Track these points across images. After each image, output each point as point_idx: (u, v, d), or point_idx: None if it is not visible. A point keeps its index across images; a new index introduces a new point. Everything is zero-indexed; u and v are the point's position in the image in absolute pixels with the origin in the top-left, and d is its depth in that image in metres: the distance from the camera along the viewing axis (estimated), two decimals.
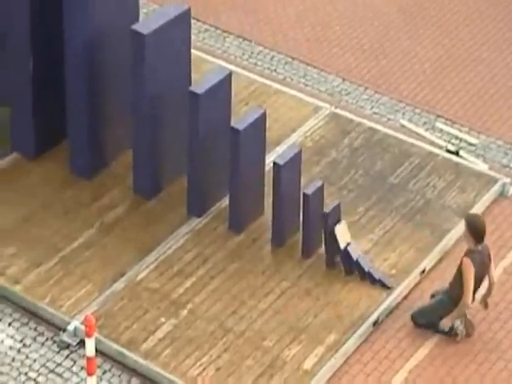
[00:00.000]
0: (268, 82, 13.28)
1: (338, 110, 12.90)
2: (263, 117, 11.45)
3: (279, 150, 12.14)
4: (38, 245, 10.90)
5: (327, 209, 10.45)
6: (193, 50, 12.14)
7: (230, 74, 11.73)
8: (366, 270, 10.33)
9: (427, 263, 10.65)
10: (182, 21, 11.49)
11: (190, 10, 11.47)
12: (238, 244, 10.91)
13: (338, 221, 10.48)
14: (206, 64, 13.40)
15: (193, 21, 13.63)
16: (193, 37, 12.35)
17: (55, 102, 11.96)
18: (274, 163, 10.66)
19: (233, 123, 11.21)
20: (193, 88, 11.42)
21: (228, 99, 11.87)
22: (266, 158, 11.67)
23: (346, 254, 10.42)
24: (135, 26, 11.14)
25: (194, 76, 12.09)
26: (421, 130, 12.59)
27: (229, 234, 10.97)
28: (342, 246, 10.27)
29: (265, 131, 11.51)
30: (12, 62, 11.88)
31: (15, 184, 11.69)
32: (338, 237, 10.30)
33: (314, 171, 11.77)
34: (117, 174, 11.73)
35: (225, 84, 11.72)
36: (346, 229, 10.41)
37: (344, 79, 13.63)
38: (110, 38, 11.67)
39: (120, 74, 11.77)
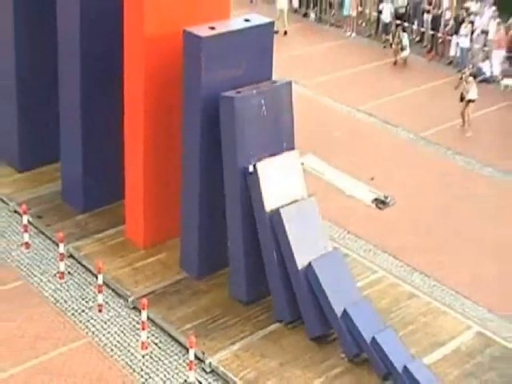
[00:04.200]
0: (439, 304, 13.29)
1: (482, 330, 12.65)
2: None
3: (438, 353, 12.04)
4: (292, 381, 11.49)
5: None
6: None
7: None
8: None
9: None
10: None
11: None
12: None
13: None
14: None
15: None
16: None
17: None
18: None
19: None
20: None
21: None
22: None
23: None
24: None
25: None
26: None
27: None
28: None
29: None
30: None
31: (280, 344, 12.12)
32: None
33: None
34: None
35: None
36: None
37: (490, 310, 13.30)
38: None
39: None
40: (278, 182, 12.32)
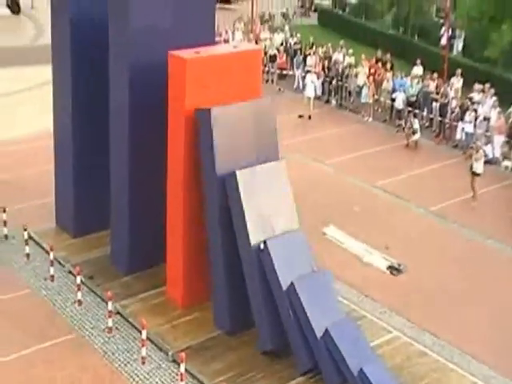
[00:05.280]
0: (448, 362, 13.22)
1: None
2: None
3: None
4: None
5: None
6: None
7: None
8: None
9: None
10: None
11: None
12: None
13: None
14: None
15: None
16: None
17: None
18: None
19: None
20: None
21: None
22: None
23: None
24: None
25: None
26: None
27: None
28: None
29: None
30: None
31: None
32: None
33: None
34: None
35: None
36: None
37: (493, 368, 13.14)
38: None
39: None
40: (289, 256, 12.41)
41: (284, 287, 12.17)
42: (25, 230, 16.19)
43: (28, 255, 16.16)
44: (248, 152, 13.07)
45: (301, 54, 29.67)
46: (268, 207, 12.81)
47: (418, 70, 27.17)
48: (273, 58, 30.06)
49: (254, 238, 12.52)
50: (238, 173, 12.48)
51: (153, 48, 13.90)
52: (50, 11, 16.29)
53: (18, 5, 38.92)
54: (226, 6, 43.33)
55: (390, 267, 16.50)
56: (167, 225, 14.27)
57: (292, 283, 12.06)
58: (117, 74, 14.51)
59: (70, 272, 15.48)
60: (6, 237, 16.84)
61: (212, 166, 12.74)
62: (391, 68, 27.41)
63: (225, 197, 12.82)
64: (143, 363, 13.00)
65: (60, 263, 15.81)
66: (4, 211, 16.73)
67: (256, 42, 31.32)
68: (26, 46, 33.73)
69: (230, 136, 12.83)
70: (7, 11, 38.78)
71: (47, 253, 15.75)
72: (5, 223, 16.81)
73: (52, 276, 15.39)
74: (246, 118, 13.15)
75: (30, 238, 16.44)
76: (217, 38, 31.69)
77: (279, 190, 13.06)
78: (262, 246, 12.34)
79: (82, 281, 14.85)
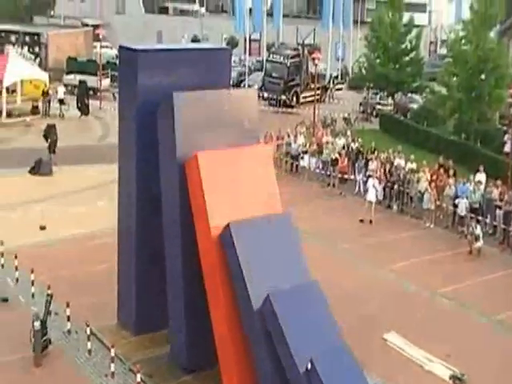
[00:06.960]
0: None
1: None
2: None
3: None
4: None
5: None
6: None
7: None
8: None
9: None
10: None
11: None
12: None
13: None
14: None
15: None
16: None
17: None
18: None
19: None
20: None
21: None
22: None
23: None
24: None
25: None
26: None
27: None
28: None
29: None
30: None
31: None
32: None
33: None
34: None
35: None
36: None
37: None
38: None
39: None
40: (338, 373, 12.51)
41: None
42: (87, 325, 16.75)
43: (90, 351, 16.66)
44: (276, 271, 13.50)
45: (362, 158, 30.32)
46: (308, 328, 13.07)
47: (480, 176, 27.47)
48: (334, 162, 30.79)
49: (299, 360, 12.70)
50: (271, 297, 12.81)
51: None
52: (117, 113, 17.29)
53: (87, 107, 40.97)
54: (289, 109, 44.71)
55: (453, 377, 16.42)
56: (214, 333, 14.55)
57: None
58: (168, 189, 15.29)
59: (131, 369, 15.84)
60: (69, 332, 17.44)
61: (245, 290, 13.27)
62: (454, 174, 27.76)
63: (263, 319, 13.23)
64: None
65: (121, 360, 16.23)
66: (68, 306, 17.33)
67: (318, 146, 32.15)
68: (93, 145, 35.26)
69: (256, 253, 13.31)
70: (77, 113, 40.78)
71: (108, 349, 16.23)
72: (68, 318, 17.43)
73: (112, 373, 15.81)
74: (269, 235, 13.61)
75: (92, 333, 16.97)
76: (279, 142, 32.79)
77: (317, 310, 13.38)
78: (309, 365, 12.54)
79: (141, 379, 15.18)
